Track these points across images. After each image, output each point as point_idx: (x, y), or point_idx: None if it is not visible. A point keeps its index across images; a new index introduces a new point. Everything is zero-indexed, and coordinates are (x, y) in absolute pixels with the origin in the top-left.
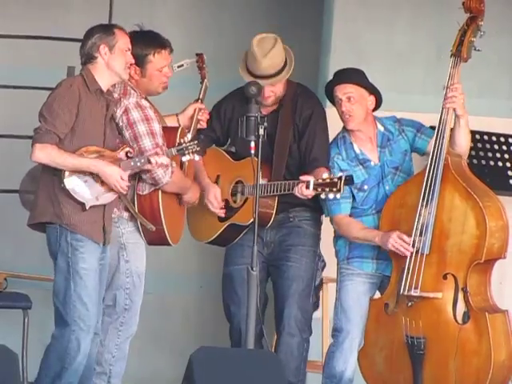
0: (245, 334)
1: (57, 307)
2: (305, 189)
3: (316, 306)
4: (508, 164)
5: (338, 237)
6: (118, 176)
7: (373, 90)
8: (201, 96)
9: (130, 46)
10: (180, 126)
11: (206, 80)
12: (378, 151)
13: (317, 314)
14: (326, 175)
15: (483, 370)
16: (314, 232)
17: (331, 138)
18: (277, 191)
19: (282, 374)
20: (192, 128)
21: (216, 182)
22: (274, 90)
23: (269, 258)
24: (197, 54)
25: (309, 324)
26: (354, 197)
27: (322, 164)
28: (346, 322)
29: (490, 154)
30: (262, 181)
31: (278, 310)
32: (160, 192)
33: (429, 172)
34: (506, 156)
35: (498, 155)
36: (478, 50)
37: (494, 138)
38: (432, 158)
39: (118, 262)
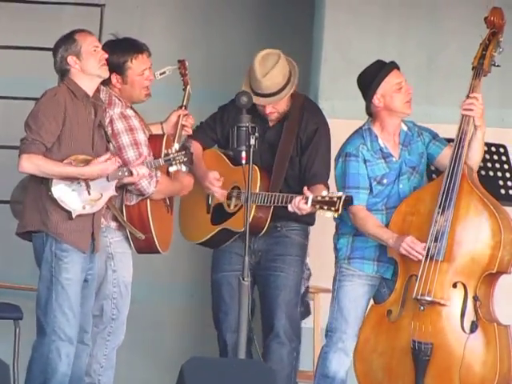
0: (230, 342)
1: (38, 316)
2: (303, 203)
3: (306, 314)
4: (499, 174)
5: (340, 234)
6: (102, 164)
7: None
8: (184, 102)
9: (97, 43)
10: (165, 134)
11: (188, 86)
12: (399, 148)
13: (309, 324)
14: (325, 193)
15: (488, 379)
16: (302, 242)
17: (333, 153)
18: (272, 202)
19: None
20: (177, 135)
21: None
22: (275, 107)
23: (256, 267)
24: (179, 61)
25: (297, 333)
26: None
27: (321, 180)
28: (342, 322)
29: (481, 164)
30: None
31: (265, 319)
32: (148, 200)
33: (446, 179)
34: (497, 166)
35: (489, 165)
36: (498, 66)
37: (485, 148)
38: (450, 166)
39: (105, 271)
